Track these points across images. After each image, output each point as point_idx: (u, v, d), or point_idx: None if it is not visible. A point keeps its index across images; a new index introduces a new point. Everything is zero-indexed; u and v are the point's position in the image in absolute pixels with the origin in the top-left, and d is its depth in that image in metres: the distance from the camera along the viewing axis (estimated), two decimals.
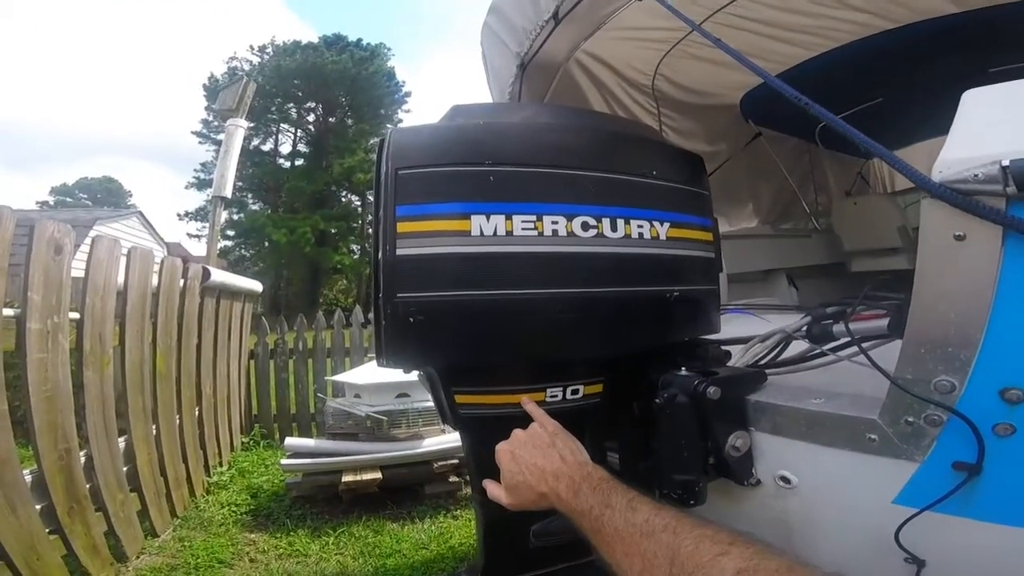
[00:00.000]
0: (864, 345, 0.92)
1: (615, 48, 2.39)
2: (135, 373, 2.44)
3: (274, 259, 29.52)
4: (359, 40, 32.51)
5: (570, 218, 0.79)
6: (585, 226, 0.80)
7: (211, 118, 29.62)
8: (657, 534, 0.58)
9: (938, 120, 2.82)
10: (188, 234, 31.96)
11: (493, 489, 0.84)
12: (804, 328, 1.01)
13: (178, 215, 32.35)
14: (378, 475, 2.89)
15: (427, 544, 2.64)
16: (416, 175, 0.78)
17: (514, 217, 0.76)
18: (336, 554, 2.57)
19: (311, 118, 32.87)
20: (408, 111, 33.57)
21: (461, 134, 0.84)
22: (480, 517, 0.95)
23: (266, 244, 29.68)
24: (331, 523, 2.85)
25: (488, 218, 0.75)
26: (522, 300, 0.78)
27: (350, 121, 32.35)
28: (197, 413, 3.19)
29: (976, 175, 0.58)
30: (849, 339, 0.93)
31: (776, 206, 3.53)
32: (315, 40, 32.96)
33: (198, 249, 29.88)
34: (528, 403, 0.84)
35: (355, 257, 31.84)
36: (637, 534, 0.60)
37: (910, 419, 0.68)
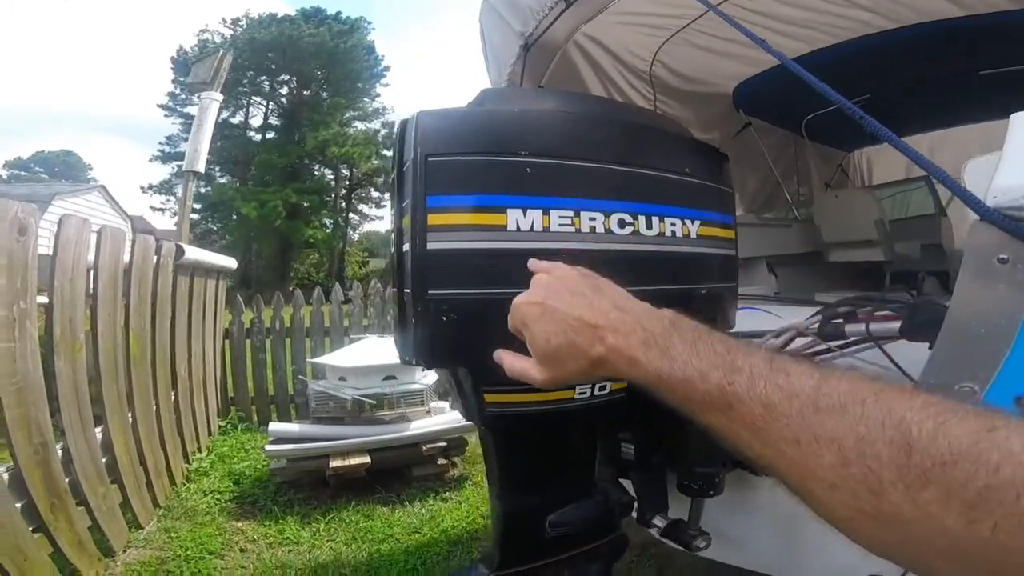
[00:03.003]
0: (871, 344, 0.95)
1: (615, 32, 2.37)
2: (109, 359, 2.33)
3: (242, 233, 28.77)
4: (338, 13, 31.63)
5: (608, 215, 0.77)
6: (622, 223, 0.79)
7: (178, 91, 28.44)
8: (851, 407, 0.36)
9: (923, 119, 2.88)
10: (151, 207, 30.76)
11: (515, 363, 0.62)
12: (816, 326, 1.04)
13: (141, 188, 31.13)
14: (366, 459, 2.86)
15: (419, 528, 2.64)
16: (448, 163, 0.74)
17: (551, 212, 0.73)
18: (328, 541, 2.54)
19: (284, 91, 31.92)
20: (387, 85, 32.91)
21: (495, 121, 0.79)
22: (497, 510, 0.94)
23: (234, 218, 28.79)
24: (320, 509, 2.81)
25: (525, 212, 0.71)
26: None
27: (325, 94, 31.51)
28: (173, 397, 3.08)
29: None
30: (863, 339, 0.96)
31: (760, 195, 3.61)
32: (292, 13, 31.74)
33: (162, 223, 28.83)
34: (535, 261, 0.65)
35: (328, 231, 31.32)
36: (810, 409, 0.38)
37: None
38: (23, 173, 38.47)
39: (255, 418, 4.39)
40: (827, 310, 1.05)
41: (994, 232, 0.64)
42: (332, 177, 32.72)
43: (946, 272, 3.66)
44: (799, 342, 1.12)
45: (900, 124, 3.55)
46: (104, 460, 2.27)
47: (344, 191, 33.35)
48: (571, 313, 0.54)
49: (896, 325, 0.90)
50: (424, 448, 3.04)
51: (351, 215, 34.23)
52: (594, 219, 0.76)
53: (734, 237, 0.99)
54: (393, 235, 0.81)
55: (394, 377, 3.20)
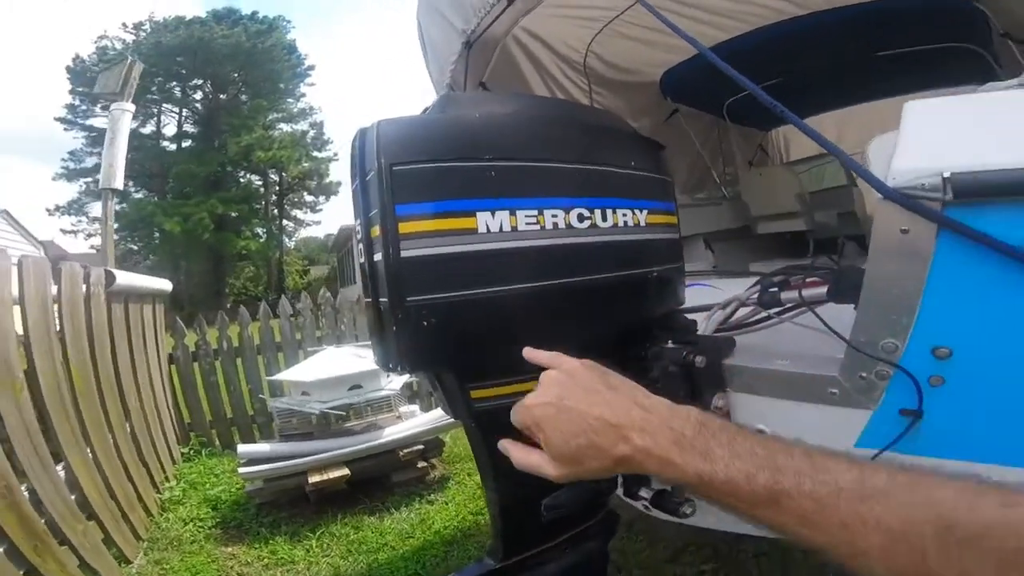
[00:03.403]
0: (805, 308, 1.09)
1: (551, 25, 2.44)
2: (53, 395, 2.19)
3: (167, 250, 26.95)
4: (254, 13, 29.88)
5: (568, 211, 0.84)
6: (581, 218, 0.86)
7: (78, 102, 26.00)
8: (894, 494, 0.41)
9: (829, 98, 3.15)
10: (62, 230, 28.13)
11: (527, 458, 0.58)
12: (755, 296, 1.15)
13: (47, 210, 28.31)
14: (345, 471, 2.84)
15: (412, 533, 2.64)
16: (414, 171, 0.76)
17: (518, 212, 0.79)
18: (323, 557, 2.52)
19: (199, 96, 29.92)
20: (312, 84, 31.60)
21: (459, 127, 0.82)
22: (494, 502, 0.99)
23: (157, 235, 26.89)
24: (307, 526, 2.77)
25: (494, 214, 0.77)
26: (532, 292, 0.82)
27: (245, 97, 29.84)
28: (129, 428, 2.94)
29: (923, 184, 0.72)
30: (797, 304, 1.08)
31: (691, 178, 3.84)
32: (202, 15, 29.76)
33: (75, 246, 26.54)
34: (533, 351, 0.66)
35: (261, 241, 29.84)
36: (856, 500, 0.42)
37: (863, 374, 0.83)
38: None
39: (217, 442, 4.22)
40: (763, 280, 1.16)
41: (895, 208, 0.74)
42: (260, 183, 31.12)
43: (862, 236, 4.03)
44: (742, 312, 1.24)
45: (809, 104, 3.87)
46: (73, 497, 2.20)
47: (275, 197, 31.87)
48: (590, 412, 0.53)
49: (824, 290, 1.00)
50: (402, 453, 3.05)
51: (285, 222, 32.80)
52: (556, 216, 0.83)
53: (676, 222, 1.10)
54: (361, 246, 0.84)
55: (360, 386, 3.18)
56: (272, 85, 29.94)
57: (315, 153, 31.86)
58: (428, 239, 0.76)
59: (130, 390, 3.04)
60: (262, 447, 3.03)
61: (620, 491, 1.11)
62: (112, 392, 2.79)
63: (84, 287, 2.64)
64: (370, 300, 0.83)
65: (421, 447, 3.14)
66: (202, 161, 27.63)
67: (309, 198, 32.88)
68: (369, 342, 3.40)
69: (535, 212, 0.81)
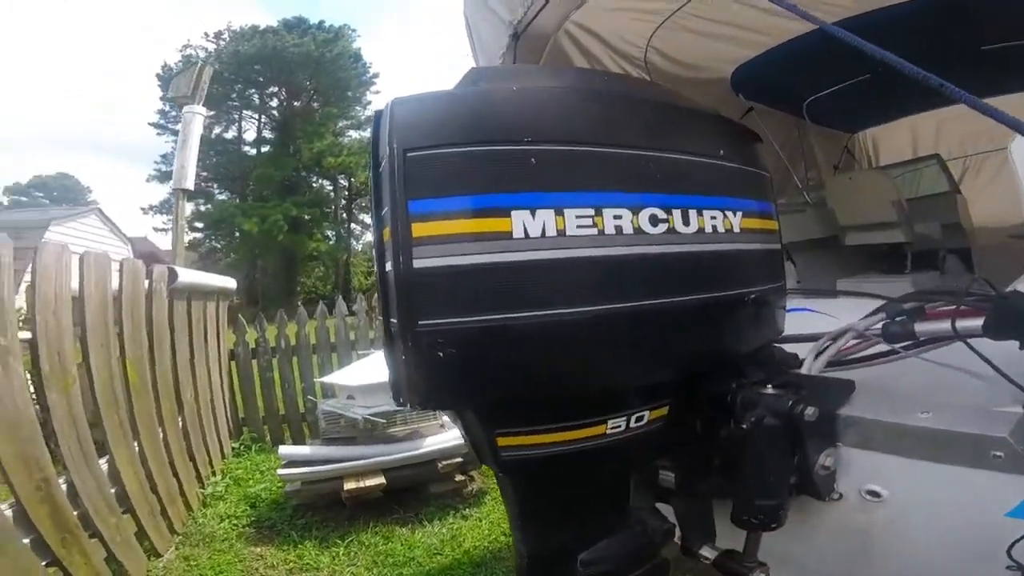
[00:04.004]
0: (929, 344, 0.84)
1: (605, 20, 2.27)
2: (106, 389, 2.25)
3: (247, 249, 28.74)
4: (321, 22, 31.49)
5: (636, 210, 0.64)
6: (654, 220, 0.65)
7: (168, 108, 28.45)
8: None
9: (924, 95, 2.73)
10: (154, 228, 30.83)
11: None
12: (878, 326, 0.93)
13: (142, 209, 31.14)
14: (381, 480, 2.78)
15: (440, 549, 2.55)
16: (432, 158, 0.60)
17: (566, 211, 0.59)
18: (348, 566, 2.47)
19: (275, 103, 31.95)
20: (377, 92, 32.84)
21: (491, 103, 0.65)
22: (521, 552, 0.82)
23: (237, 234, 28.83)
24: (338, 532, 2.74)
25: (534, 214, 0.58)
26: (582, 320, 0.62)
27: (316, 105, 31.51)
28: (181, 423, 3.01)
29: None
30: (941, 337, 0.84)
31: None
32: (274, 24, 31.72)
33: (166, 243, 28.91)
34: None
35: (331, 243, 31.30)
36: None
37: None
38: (23, 199, 38.55)
39: (268, 438, 4.32)
40: (889, 307, 0.95)
41: None
42: (331, 188, 32.67)
43: (967, 250, 3.54)
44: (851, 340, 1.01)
45: (902, 103, 3.43)
46: (113, 491, 2.23)
47: (344, 202, 33.36)
48: None
49: (978, 322, 0.78)
50: (440, 465, 2.94)
51: (352, 225, 34.20)
52: (620, 217, 0.62)
53: (777, 228, 0.86)
54: (374, 251, 0.68)
55: None
56: (340, 93, 31.32)
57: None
58: (448, 245, 0.58)
59: (186, 385, 3.12)
60: (303, 449, 3.02)
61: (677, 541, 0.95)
62: (168, 387, 2.86)
63: (146, 283, 2.71)
64: (382, 318, 0.67)
65: (460, 460, 3.01)
66: (278, 166, 29.33)
67: None
68: None
69: (590, 211, 0.61)
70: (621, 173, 0.65)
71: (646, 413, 0.75)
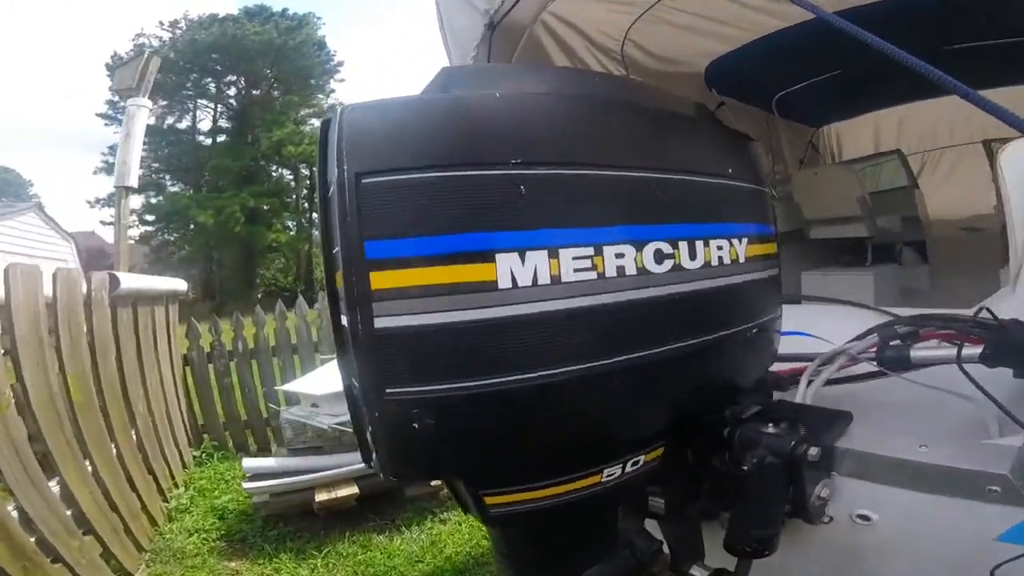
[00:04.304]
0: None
1: (584, 10, 2.20)
2: (46, 410, 2.07)
3: (201, 242, 27.60)
4: (284, 10, 30.24)
5: (640, 246, 0.55)
6: (659, 256, 0.56)
7: (117, 99, 26.85)
8: None
9: (890, 92, 2.78)
10: (102, 222, 29.16)
11: None
12: (872, 350, 0.89)
13: (88, 203, 29.38)
14: (355, 489, 2.68)
15: (421, 556, 2.50)
16: (396, 186, 0.48)
17: (561, 252, 0.50)
18: None
19: (232, 92, 30.62)
20: (341, 80, 31.98)
21: (466, 113, 0.53)
22: None
23: (191, 227, 27.57)
24: (313, 543, 2.64)
25: (523, 256, 0.48)
26: (579, 377, 0.54)
27: (277, 93, 30.45)
28: (134, 436, 2.82)
29: None
30: (934, 363, 0.82)
31: None
32: (234, 12, 30.31)
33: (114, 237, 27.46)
34: None
35: (291, 234, 30.48)
36: None
37: None
38: None
39: (230, 444, 4.12)
40: (883, 331, 0.91)
41: None
42: (291, 177, 31.68)
43: (923, 242, 3.66)
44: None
45: (867, 100, 3.50)
46: (69, 512, 2.10)
47: (305, 191, 32.47)
48: None
49: (975, 350, 0.76)
50: None
51: (314, 215, 33.41)
52: (622, 255, 0.53)
53: (776, 251, 0.80)
54: (326, 296, 0.57)
55: None
56: (303, 81, 30.28)
57: None
58: (417, 300, 0.47)
59: (137, 396, 2.92)
60: (268, 462, 2.88)
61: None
62: (116, 400, 2.66)
63: (84, 292, 2.48)
64: (342, 376, 0.57)
65: None
66: (236, 155, 28.16)
67: None
68: None
69: (589, 251, 0.52)
70: (624, 201, 0.55)
71: (642, 457, 0.70)
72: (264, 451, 4.06)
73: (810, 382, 0.96)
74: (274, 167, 31.11)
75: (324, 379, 3.09)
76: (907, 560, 0.84)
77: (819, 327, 1.16)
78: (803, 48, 2.53)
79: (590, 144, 0.56)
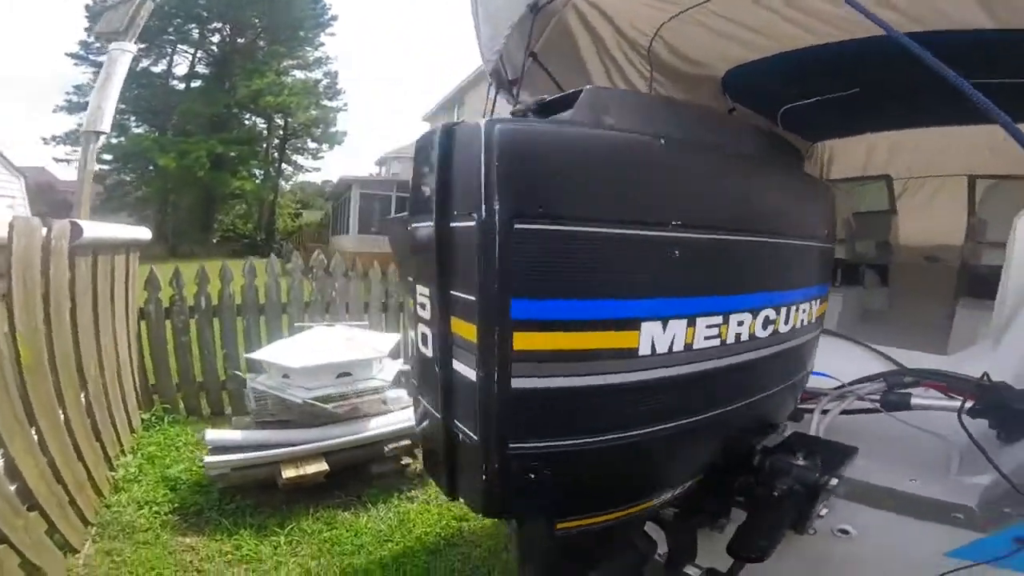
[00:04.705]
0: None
1: (620, 1, 2.16)
2: None
3: (160, 184, 26.22)
4: None
5: (756, 313, 0.54)
6: (766, 322, 0.57)
7: (92, 39, 24.69)
8: None
9: (896, 116, 2.86)
10: (55, 159, 27.25)
11: None
12: (878, 394, 1.00)
13: (43, 139, 27.50)
14: (324, 466, 2.60)
15: (390, 536, 2.45)
16: (552, 237, 0.41)
17: (698, 321, 0.47)
18: (292, 557, 2.31)
19: (216, 39, 29.02)
20: (333, 34, 30.73)
21: (632, 159, 0.47)
22: None
23: (150, 168, 26.08)
24: (275, 518, 2.54)
25: (665, 325, 0.44)
26: (683, 430, 0.55)
27: (263, 43, 29.04)
28: (84, 400, 2.60)
29: None
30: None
31: None
32: None
33: (66, 173, 25.92)
34: None
35: (257, 182, 29.44)
36: None
37: (1008, 509, 0.80)
38: None
39: (181, 407, 3.91)
40: (890, 378, 1.04)
41: None
42: (265, 126, 30.40)
43: (886, 267, 3.81)
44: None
45: (869, 120, 3.57)
46: (14, 488, 1.90)
47: (277, 141, 31.22)
48: None
49: (967, 403, 0.88)
50: (387, 448, 2.82)
51: (284, 166, 32.16)
52: (742, 323, 0.52)
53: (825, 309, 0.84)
54: (420, 335, 0.50)
55: (349, 374, 2.87)
56: (292, 32, 29.00)
57: (325, 102, 31.36)
58: (559, 364, 0.42)
59: (90, 357, 2.70)
60: (232, 434, 2.73)
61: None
62: (67, 360, 2.44)
63: (42, 241, 2.24)
64: (440, 419, 0.51)
65: (407, 443, 2.90)
66: (209, 101, 26.75)
67: (312, 145, 32.38)
68: (362, 322, 3.06)
69: (719, 319, 0.50)
70: (751, 267, 0.55)
71: (690, 483, 0.76)
72: (218, 416, 3.90)
73: (824, 416, 1.05)
74: (248, 115, 29.93)
75: (298, 350, 2.95)
76: (873, 568, 0.99)
77: (826, 364, 1.23)
78: (818, 67, 2.55)
79: (738, 207, 0.53)
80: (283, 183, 32.67)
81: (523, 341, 0.42)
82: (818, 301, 0.73)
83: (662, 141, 0.49)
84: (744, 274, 0.53)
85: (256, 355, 3.06)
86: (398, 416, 2.97)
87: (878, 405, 1.00)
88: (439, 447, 0.57)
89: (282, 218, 31.85)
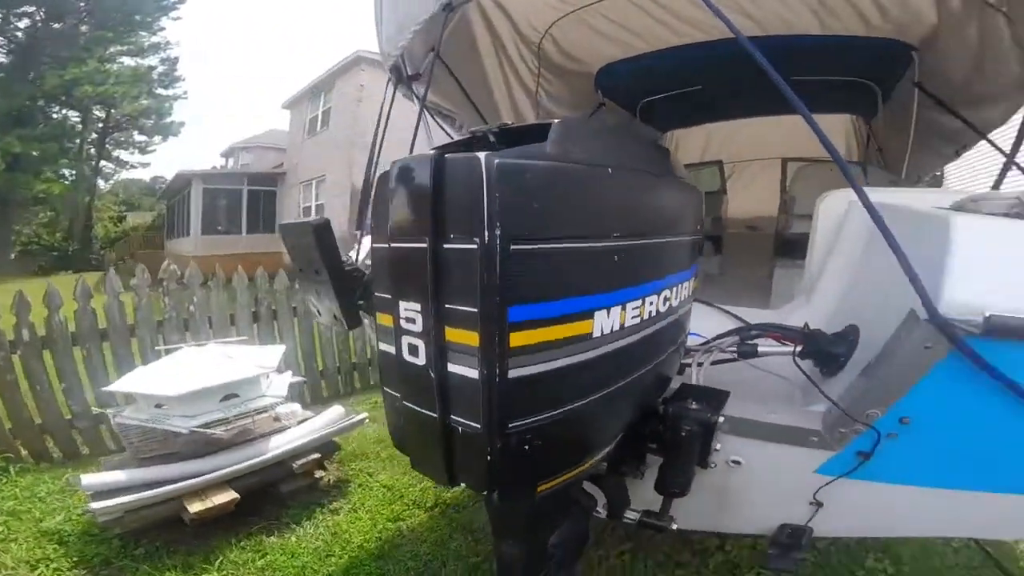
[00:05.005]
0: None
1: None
2: None
3: None
4: None
5: (659, 294, 0.75)
6: (665, 300, 0.77)
7: None
8: None
9: (732, 109, 3.45)
10: None
11: None
12: (733, 347, 1.27)
13: None
14: (232, 494, 2.41)
15: (330, 550, 2.36)
16: (539, 255, 0.54)
17: (627, 305, 0.64)
18: None
19: (22, 24, 23.31)
20: (178, 19, 26.50)
21: (595, 187, 0.61)
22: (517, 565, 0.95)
23: None
24: (197, 555, 2.30)
25: (609, 312, 0.61)
26: (625, 388, 0.73)
27: (85, 28, 23.90)
28: None
29: (968, 320, 0.81)
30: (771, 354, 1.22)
31: None
32: None
33: None
34: None
35: (68, 183, 24.73)
36: None
37: (843, 430, 1.06)
38: None
39: (24, 454, 3.26)
40: (742, 333, 1.29)
41: (931, 328, 0.83)
42: (79, 120, 25.46)
43: (720, 237, 4.51)
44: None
45: (718, 112, 4.17)
46: None
47: (95, 135, 26.43)
48: None
49: (797, 348, 1.17)
50: (296, 465, 2.71)
51: (103, 163, 27.34)
52: (652, 303, 0.72)
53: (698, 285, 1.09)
54: (426, 345, 0.58)
55: (235, 395, 2.67)
56: (125, 16, 24.21)
57: (159, 90, 27.07)
58: (542, 352, 0.56)
59: None
60: (114, 476, 2.41)
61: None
62: None
63: None
64: (436, 416, 0.60)
65: (317, 456, 2.83)
66: (5, 94, 21.42)
67: (140, 138, 27.84)
68: (240, 337, 2.85)
69: (639, 303, 0.68)
70: (660, 261, 0.75)
71: (621, 436, 0.92)
72: (74, 458, 3.36)
73: (699, 366, 1.29)
74: (57, 108, 24.77)
75: (169, 376, 2.63)
76: (763, 489, 1.23)
77: (694, 325, 1.50)
78: (672, 65, 2.99)
79: (648, 215, 0.73)
80: (102, 183, 27.90)
81: (517, 339, 0.54)
82: (693, 278, 0.96)
83: (610, 170, 0.65)
84: (654, 266, 0.72)
85: (116, 387, 2.66)
86: (299, 431, 2.86)
87: (736, 355, 1.26)
88: (435, 442, 0.65)
89: (102, 223, 27.44)
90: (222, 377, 2.62)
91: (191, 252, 16.03)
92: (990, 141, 2.31)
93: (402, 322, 0.63)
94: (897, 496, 1.15)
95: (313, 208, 16.59)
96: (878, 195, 0.90)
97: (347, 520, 2.58)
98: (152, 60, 26.76)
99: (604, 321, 0.60)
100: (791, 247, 3.15)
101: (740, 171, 4.93)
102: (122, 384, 2.66)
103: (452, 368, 0.57)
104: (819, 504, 1.20)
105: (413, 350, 0.62)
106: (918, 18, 2.38)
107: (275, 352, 3.07)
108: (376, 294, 0.72)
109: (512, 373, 0.55)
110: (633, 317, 0.66)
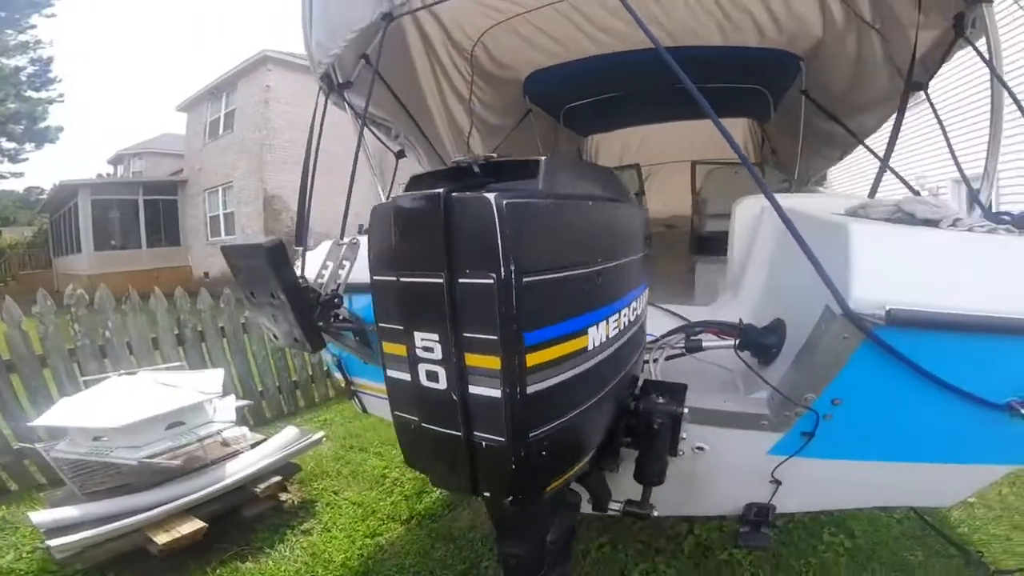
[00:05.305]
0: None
1: (454, 6, 2.27)
2: None
3: None
4: None
5: (629, 305, 0.89)
6: (632, 311, 0.92)
7: None
8: None
9: (642, 115, 3.69)
10: None
11: None
12: (681, 343, 1.40)
13: None
14: (199, 523, 2.33)
15: (313, 571, 2.31)
16: (547, 284, 0.63)
17: (610, 320, 0.77)
18: None
19: None
20: (52, 15, 23.18)
21: (584, 220, 0.73)
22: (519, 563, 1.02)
23: None
24: None
25: (598, 327, 0.73)
26: (613, 391, 0.85)
27: None
28: None
29: (873, 313, 0.95)
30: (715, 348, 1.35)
31: None
32: None
33: None
34: None
35: None
36: None
37: (787, 413, 1.18)
38: None
39: None
40: (687, 329, 1.42)
41: (847, 323, 0.96)
42: None
43: (648, 236, 4.80)
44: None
45: (627, 117, 4.43)
46: None
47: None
48: None
49: (736, 342, 1.30)
50: (260, 489, 2.65)
51: None
52: (626, 314, 0.86)
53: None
54: (447, 370, 0.66)
55: (181, 423, 2.56)
56: None
57: (30, 93, 23.70)
58: (550, 369, 0.67)
59: None
60: (68, 512, 2.28)
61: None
62: None
63: None
64: (459, 435, 0.69)
65: (278, 479, 2.77)
66: None
67: (10, 145, 24.40)
68: (176, 363, 2.70)
69: (617, 316, 0.81)
70: (624, 279, 0.87)
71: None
72: (2, 495, 3.04)
73: (655, 362, 1.40)
74: None
75: (105, 407, 2.48)
76: (725, 471, 1.34)
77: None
78: (595, 73, 3.13)
79: (617, 239, 0.86)
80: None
81: (532, 360, 0.64)
82: (647, 288, 1.10)
83: (590, 202, 0.78)
84: (624, 282, 0.84)
85: (43, 421, 2.46)
86: (254, 455, 2.79)
87: (684, 351, 1.37)
88: (459, 458, 0.72)
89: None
90: (166, 406, 2.51)
91: (85, 270, 14.48)
92: (867, 146, 2.57)
93: (419, 351, 0.69)
94: (841, 471, 1.26)
95: (222, 217, 15.37)
96: (785, 201, 1.04)
97: (322, 540, 2.54)
98: (21, 60, 23.57)
99: (595, 335, 0.73)
100: (707, 244, 3.39)
101: (655, 173, 5.21)
102: (49, 417, 2.48)
103: (474, 390, 0.65)
104: (778, 483, 1.32)
105: (432, 376, 0.69)
106: (806, 31, 2.61)
107: (215, 376, 2.97)
108: (381, 325, 0.75)
109: (530, 389, 0.65)
110: (614, 329, 0.79)
